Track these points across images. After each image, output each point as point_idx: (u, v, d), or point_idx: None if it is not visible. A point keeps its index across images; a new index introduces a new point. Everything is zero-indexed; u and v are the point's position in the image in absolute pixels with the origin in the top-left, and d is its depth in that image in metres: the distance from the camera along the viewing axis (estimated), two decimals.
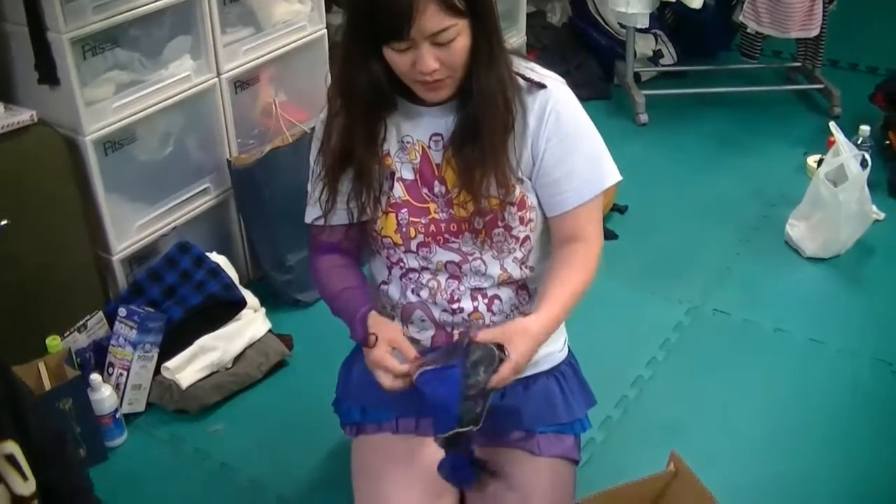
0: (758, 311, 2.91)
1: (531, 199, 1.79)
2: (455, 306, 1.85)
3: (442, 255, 1.83)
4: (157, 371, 2.56)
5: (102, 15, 2.36)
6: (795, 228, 3.19)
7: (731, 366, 2.70)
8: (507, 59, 1.72)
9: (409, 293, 1.88)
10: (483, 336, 1.67)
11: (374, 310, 1.80)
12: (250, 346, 2.67)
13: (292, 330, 2.81)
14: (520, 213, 1.79)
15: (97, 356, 2.51)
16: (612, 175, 1.82)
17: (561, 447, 1.94)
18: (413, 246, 1.82)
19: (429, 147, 1.78)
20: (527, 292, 1.90)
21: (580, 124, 1.79)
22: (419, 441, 1.92)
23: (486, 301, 1.86)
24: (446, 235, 1.81)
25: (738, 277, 3.10)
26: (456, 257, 1.83)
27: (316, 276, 1.93)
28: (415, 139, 1.78)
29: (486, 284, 1.86)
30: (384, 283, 1.92)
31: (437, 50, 1.60)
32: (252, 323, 2.72)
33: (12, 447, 1.58)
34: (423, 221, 1.80)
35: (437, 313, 1.87)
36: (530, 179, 1.78)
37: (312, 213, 1.89)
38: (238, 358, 2.64)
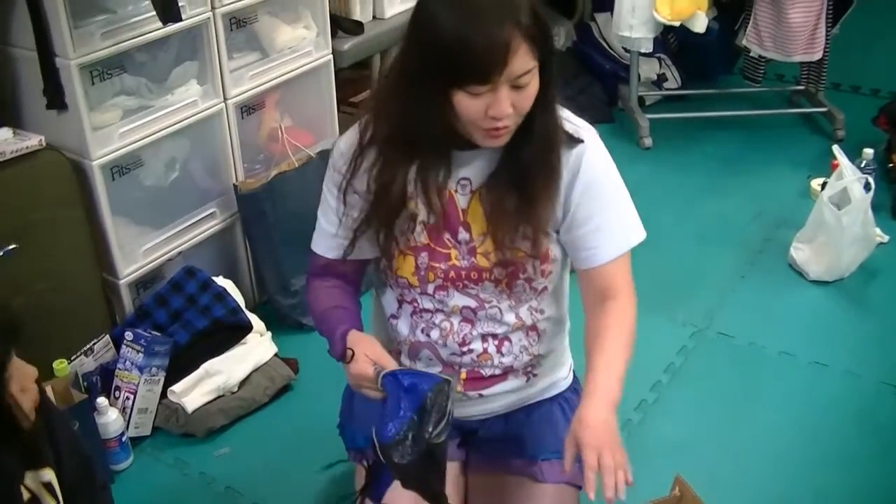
0: (762, 335, 2.92)
1: (554, 252, 1.77)
2: (465, 348, 1.84)
3: (458, 300, 1.80)
4: (164, 395, 2.57)
5: (110, 41, 2.38)
6: (800, 251, 3.20)
7: (736, 389, 2.70)
8: (557, 105, 1.69)
9: (418, 332, 1.85)
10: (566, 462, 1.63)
11: (356, 329, 1.77)
12: (256, 369, 2.68)
13: (298, 353, 2.82)
14: (542, 266, 1.77)
15: (104, 380, 2.52)
16: (638, 232, 1.80)
17: (565, 473, 1.95)
18: (430, 289, 1.79)
19: (455, 191, 1.73)
20: (536, 333, 1.87)
21: (611, 180, 1.77)
22: None
23: (496, 343, 1.85)
24: (466, 282, 1.78)
25: (743, 300, 3.11)
26: (472, 303, 1.80)
27: (308, 297, 1.91)
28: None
29: (499, 331, 1.84)
30: (393, 316, 1.89)
31: (513, 93, 1.54)
32: (258, 347, 2.73)
33: (50, 475, 1.62)
34: (443, 267, 1.76)
35: (445, 354, 1.85)
36: (557, 232, 1.76)
37: (324, 245, 1.85)
38: (244, 382, 2.65)
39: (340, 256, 1.82)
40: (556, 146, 1.68)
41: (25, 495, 1.56)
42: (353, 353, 1.69)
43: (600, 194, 1.73)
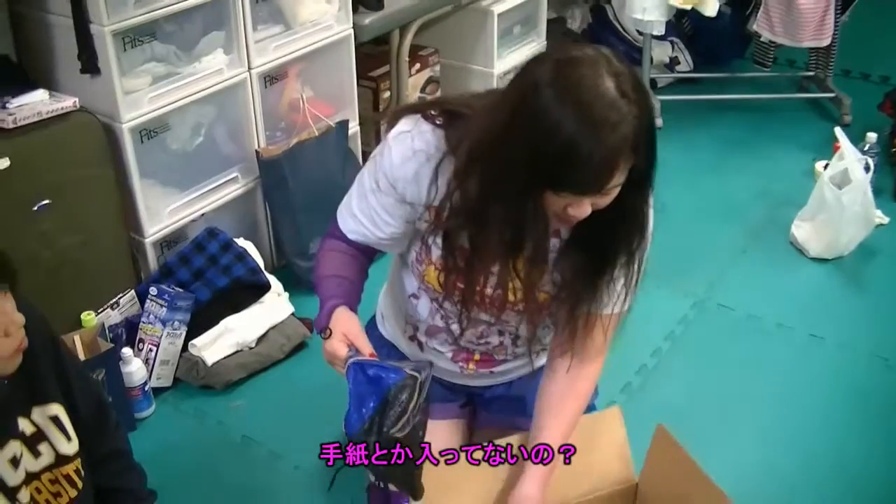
0: (761, 307, 3.02)
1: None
2: (482, 340, 1.91)
3: (479, 314, 1.83)
4: (185, 349, 2.68)
5: (143, 9, 2.48)
6: (801, 229, 3.30)
7: (733, 357, 2.81)
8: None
9: (437, 318, 1.90)
10: None
11: (347, 306, 1.74)
12: (273, 327, 2.79)
13: (313, 314, 2.89)
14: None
15: (128, 332, 2.65)
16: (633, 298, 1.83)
17: None
18: (453, 299, 1.80)
19: None
20: (549, 329, 1.93)
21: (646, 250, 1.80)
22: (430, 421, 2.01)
23: (511, 338, 1.92)
24: (489, 306, 1.80)
25: (744, 274, 3.21)
26: (492, 319, 1.85)
27: (318, 253, 1.89)
28: None
29: (517, 334, 1.92)
30: (414, 296, 1.91)
31: (596, 197, 1.53)
32: (275, 306, 2.84)
33: (57, 409, 1.70)
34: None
35: (462, 341, 1.92)
36: None
37: (351, 228, 1.82)
38: (261, 338, 2.76)
39: (365, 244, 1.83)
40: (644, 240, 1.69)
41: (30, 429, 1.65)
42: (331, 332, 1.69)
43: None
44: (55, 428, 1.70)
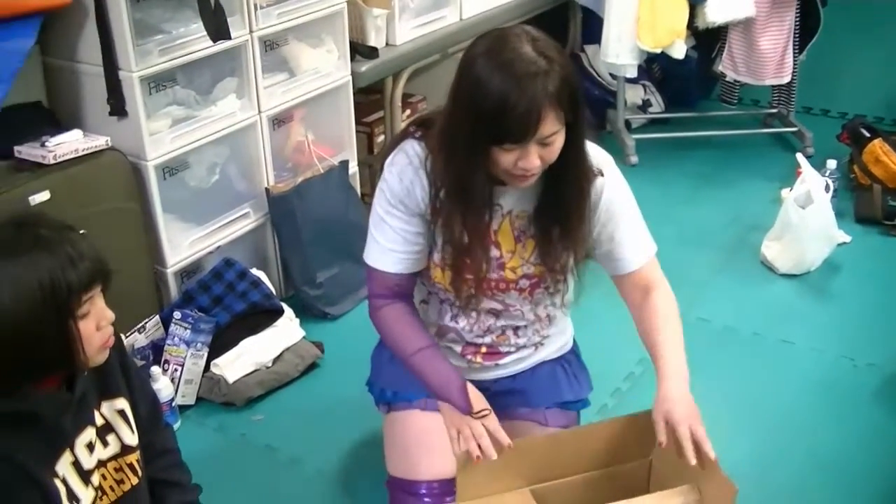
0: (736, 319, 3.25)
1: (570, 264, 2.05)
2: (488, 334, 2.15)
3: (486, 304, 2.09)
4: (206, 369, 2.88)
5: (166, 57, 2.72)
6: (770, 249, 3.55)
7: (713, 363, 3.01)
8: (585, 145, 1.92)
9: (447, 318, 2.14)
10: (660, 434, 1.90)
11: (461, 378, 2.02)
12: (287, 348, 2.99)
13: (322, 338, 3.13)
14: (559, 276, 2.07)
15: (155, 354, 2.84)
16: (652, 243, 2.13)
17: (566, 419, 2.26)
18: (462, 295, 2.04)
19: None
20: (549, 319, 2.19)
21: (627, 201, 2.06)
22: None
23: (513, 329, 2.17)
24: (494, 291, 2.06)
25: (719, 291, 3.44)
26: (499, 307, 2.10)
27: (384, 326, 2.09)
28: None
29: (520, 324, 2.16)
30: (423, 302, 2.16)
31: (541, 149, 1.78)
32: (288, 329, 3.05)
33: (123, 403, 1.87)
34: (475, 278, 2.00)
35: (469, 337, 2.16)
36: None
37: (390, 260, 2.03)
38: (277, 358, 2.96)
39: (406, 272, 2.04)
40: (587, 191, 1.93)
41: (100, 421, 1.80)
42: (489, 411, 1.98)
43: (618, 215, 2.03)
44: (122, 420, 1.86)
